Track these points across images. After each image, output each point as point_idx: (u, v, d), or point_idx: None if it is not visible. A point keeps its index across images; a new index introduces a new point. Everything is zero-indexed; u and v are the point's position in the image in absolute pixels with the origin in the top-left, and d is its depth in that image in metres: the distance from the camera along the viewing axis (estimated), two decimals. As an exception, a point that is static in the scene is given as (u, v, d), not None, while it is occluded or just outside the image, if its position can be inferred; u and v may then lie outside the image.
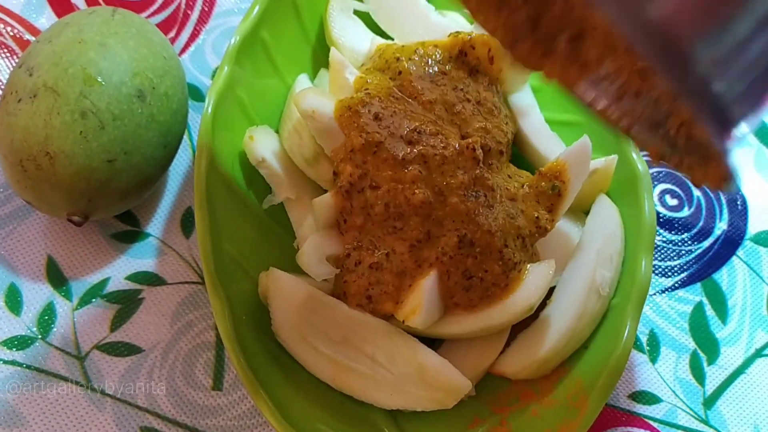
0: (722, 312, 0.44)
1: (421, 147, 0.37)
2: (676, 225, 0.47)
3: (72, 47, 0.36)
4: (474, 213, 0.36)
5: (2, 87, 0.44)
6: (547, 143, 0.42)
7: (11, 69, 0.44)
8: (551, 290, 0.38)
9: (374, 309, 0.36)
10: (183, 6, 0.48)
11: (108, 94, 0.35)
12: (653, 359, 0.43)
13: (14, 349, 0.38)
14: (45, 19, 0.46)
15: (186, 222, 0.42)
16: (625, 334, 0.36)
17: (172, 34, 0.47)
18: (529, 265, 0.37)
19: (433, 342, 0.37)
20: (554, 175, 0.39)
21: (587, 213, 0.41)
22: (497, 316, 0.36)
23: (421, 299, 0.35)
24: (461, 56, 0.41)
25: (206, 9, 0.48)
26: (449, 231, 0.36)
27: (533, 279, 0.37)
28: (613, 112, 0.26)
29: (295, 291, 0.36)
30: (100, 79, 0.35)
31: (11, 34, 0.45)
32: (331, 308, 0.36)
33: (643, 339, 0.43)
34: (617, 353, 0.36)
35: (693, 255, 0.46)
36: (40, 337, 0.38)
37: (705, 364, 0.43)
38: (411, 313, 0.35)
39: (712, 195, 0.48)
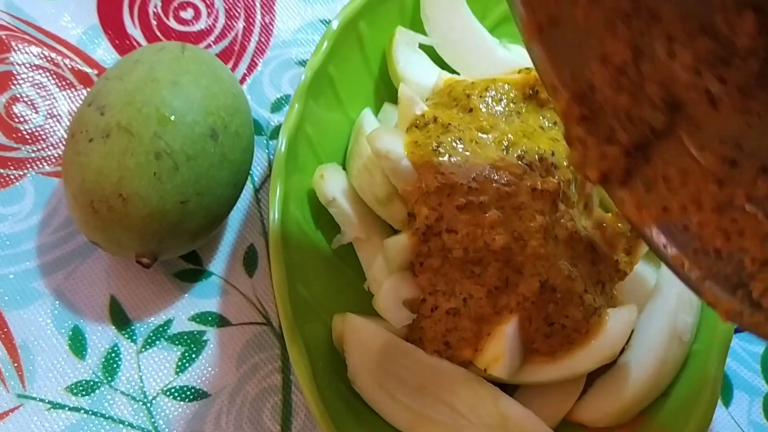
0: (794, 352, 0.43)
1: (498, 188, 0.36)
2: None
3: (145, 86, 0.35)
4: (554, 257, 0.35)
5: (60, 121, 0.43)
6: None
7: (70, 102, 0.43)
8: (630, 335, 0.37)
9: (452, 355, 0.35)
10: (240, 37, 0.47)
11: (182, 134, 0.34)
12: (726, 402, 0.41)
13: (79, 395, 0.37)
14: (102, 50, 0.45)
15: (248, 260, 0.41)
16: (711, 384, 0.35)
17: (229, 65, 0.46)
18: (609, 310, 0.36)
19: (507, 387, 0.36)
20: (633, 216, 0.38)
21: (661, 253, 0.40)
22: (579, 363, 0.35)
23: (504, 347, 0.34)
24: (533, 93, 0.40)
25: (263, 40, 0.47)
26: (530, 276, 0.35)
27: (615, 324, 0.36)
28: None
29: (372, 337, 0.35)
30: (173, 119, 0.34)
31: (69, 66, 0.44)
32: (409, 355, 0.35)
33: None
34: (704, 403, 0.35)
35: (762, 294, 0.45)
36: (105, 381, 0.37)
37: (779, 407, 0.41)
38: (493, 362, 0.34)
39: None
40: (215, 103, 0.36)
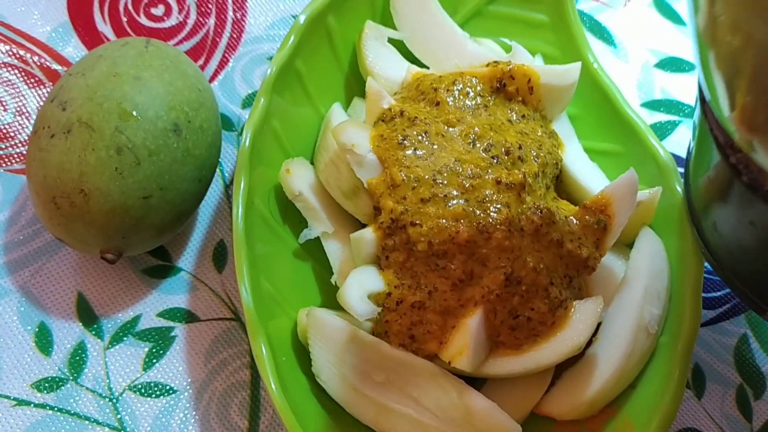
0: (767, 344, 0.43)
1: (462, 181, 0.36)
2: (717, 255, 0.45)
3: (106, 81, 0.35)
4: (519, 250, 0.35)
5: (29, 119, 0.43)
6: (588, 174, 0.41)
7: (39, 99, 0.43)
8: (597, 327, 0.37)
9: (417, 349, 0.35)
10: (212, 33, 0.47)
11: (144, 129, 0.34)
12: (699, 395, 0.41)
13: (45, 392, 0.37)
14: (72, 47, 0.45)
15: (218, 256, 0.41)
16: (677, 375, 0.35)
17: (200, 62, 0.46)
18: (576, 303, 0.36)
19: (475, 381, 0.36)
20: (599, 209, 0.38)
21: (630, 246, 0.40)
22: (545, 356, 0.35)
23: (468, 340, 0.34)
24: (500, 86, 0.40)
25: (235, 36, 0.47)
26: (495, 269, 0.35)
27: (581, 317, 0.36)
28: None
29: (337, 331, 0.35)
30: (135, 114, 0.34)
31: (38, 63, 0.44)
32: (374, 348, 0.35)
33: (688, 374, 0.42)
34: (670, 395, 0.35)
35: (735, 286, 0.45)
36: (71, 378, 0.37)
37: (752, 399, 0.41)
38: (457, 354, 0.34)
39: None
40: (179, 98, 0.36)
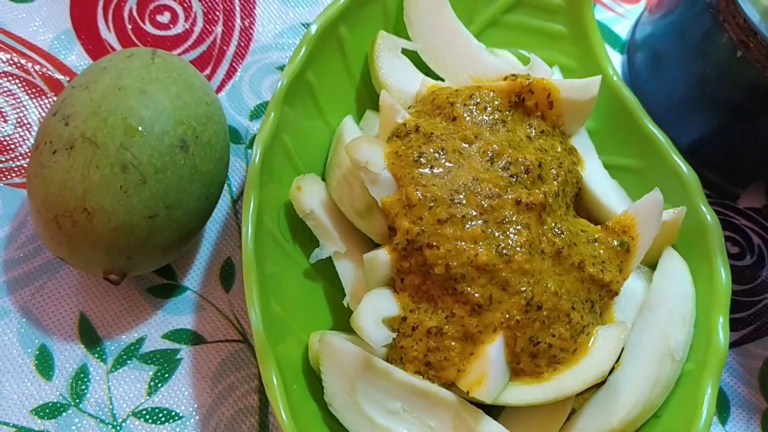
0: (793, 368, 0.42)
1: (481, 201, 0.34)
2: (739, 274, 0.44)
3: (111, 95, 0.33)
4: (540, 273, 0.34)
5: (31, 130, 0.41)
6: (609, 193, 0.40)
7: (41, 110, 0.42)
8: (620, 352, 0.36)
9: (434, 376, 0.34)
10: (219, 41, 0.45)
11: (150, 146, 0.33)
12: (723, 420, 0.40)
13: (45, 418, 0.35)
14: (75, 56, 0.43)
15: (225, 274, 0.40)
16: (705, 405, 0.34)
17: (207, 72, 0.45)
18: (598, 328, 0.35)
19: (492, 407, 0.35)
20: (622, 229, 0.37)
21: (653, 267, 0.39)
22: (566, 385, 0.34)
23: (487, 368, 0.33)
24: (519, 101, 0.38)
25: (243, 44, 0.46)
26: (515, 293, 0.33)
27: (604, 344, 0.34)
28: None
29: (350, 358, 0.33)
30: (141, 130, 0.33)
31: (39, 72, 0.42)
32: (388, 376, 0.33)
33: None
34: (698, 424, 0.33)
35: (759, 306, 0.43)
36: (73, 403, 0.36)
37: (777, 424, 0.40)
38: (476, 384, 0.33)
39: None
40: (186, 113, 0.34)
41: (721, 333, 0.36)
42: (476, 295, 0.33)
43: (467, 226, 0.34)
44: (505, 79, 0.39)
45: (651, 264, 0.39)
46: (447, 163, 0.35)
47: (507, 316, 0.33)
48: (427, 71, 0.42)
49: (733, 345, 0.42)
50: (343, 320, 0.36)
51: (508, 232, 0.34)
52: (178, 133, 0.34)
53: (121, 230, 0.33)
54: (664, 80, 0.46)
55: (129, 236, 0.33)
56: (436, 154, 0.36)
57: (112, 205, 0.32)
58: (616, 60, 0.50)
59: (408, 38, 0.42)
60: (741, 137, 0.43)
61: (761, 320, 0.43)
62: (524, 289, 0.34)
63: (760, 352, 0.42)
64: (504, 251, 0.34)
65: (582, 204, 0.40)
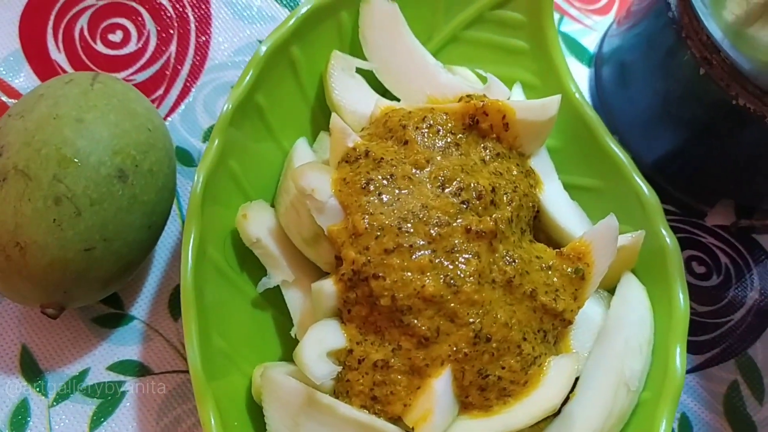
0: (759, 392, 0.41)
1: (430, 230, 0.33)
2: (705, 295, 0.43)
3: (46, 124, 0.32)
4: (489, 304, 0.33)
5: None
6: (568, 215, 0.39)
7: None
8: (574, 382, 0.35)
9: (380, 411, 0.33)
10: (173, 60, 0.44)
11: (85, 177, 0.32)
12: (685, 448, 0.39)
13: (-18, 456, 0.34)
14: (23, 78, 0.42)
15: (174, 303, 0.39)
16: (660, 435, 0.33)
17: (160, 92, 0.44)
18: (551, 359, 0.34)
19: (445, 439, 0.34)
20: (578, 256, 0.36)
21: (612, 291, 0.38)
22: (516, 418, 0.33)
23: (433, 404, 0.32)
24: (473, 123, 0.37)
25: (197, 63, 0.45)
26: (463, 325, 0.32)
27: (556, 375, 0.33)
28: None
29: (292, 393, 0.32)
30: (76, 160, 0.32)
31: (-14, 95, 0.42)
32: (333, 411, 0.32)
33: (675, 424, 0.40)
34: (652, 459, 0.33)
35: (725, 328, 0.43)
36: (11, 439, 0.35)
37: (741, 451, 0.39)
38: (421, 420, 0.32)
39: (740, 261, 0.44)
40: (125, 141, 0.33)
41: (678, 361, 0.35)
42: (423, 327, 0.32)
43: (414, 256, 0.33)
44: (460, 100, 0.38)
45: (610, 288, 0.38)
46: (396, 190, 0.35)
47: (455, 348, 0.32)
48: (384, 91, 0.41)
49: (697, 368, 0.41)
50: (292, 350, 0.35)
51: (456, 262, 0.33)
52: (116, 162, 0.33)
53: (56, 264, 0.32)
54: (630, 95, 0.45)
55: (64, 270, 0.32)
56: (385, 181, 0.35)
57: (45, 239, 0.31)
58: (583, 73, 0.49)
59: (364, 58, 0.41)
60: (706, 155, 0.43)
61: (726, 342, 0.42)
62: (473, 320, 0.33)
63: (725, 376, 0.41)
64: (452, 281, 0.33)
65: (541, 227, 0.39)
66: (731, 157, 0.42)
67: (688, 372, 0.41)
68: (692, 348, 0.42)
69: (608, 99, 0.47)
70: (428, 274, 0.33)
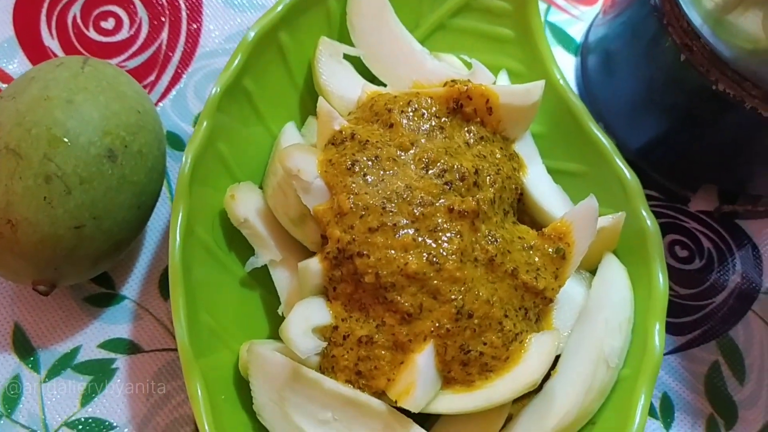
0: (740, 372, 0.42)
1: (413, 209, 0.34)
2: (687, 278, 0.44)
3: (37, 105, 0.33)
4: (471, 281, 0.34)
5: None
6: (551, 198, 0.40)
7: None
8: (556, 359, 0.36)
9: (365, 385, 0.34)
10: (164, 47, 0.45)
11: (75, 156, 0.33)
12: (667, 425, 0.40)
13: (-25, 430, 0.35)
14: (17, 64, 0.43)
15: (164, 283, 0.40)
16: (638, 410, 0.34)
17: (152, 78, 0.44)
18: (532, 336, 0.35)
19: (428, 416, 0.35)
20: (558, 236, 0.36)
21: (593, 272, 0.39)
22: (497, 393, 0.33)
23: (415, 377, 0.32)
24: (457, 107, 0.38)
25: (188, 50, 0.45)
26: (446, 302, 0.33)
27: (536, 351, 0.34)
28: None
29: (278, 367, 0.33)
30: (66, 140, 0.33)
31: (-20, 80, 0.42)
32: (318, 385, 0.33)
33: (656, 403, 0.40)
34: (630, 431, 0.33)
35: (706, 310, 0.43)
36: (4, 414, 0.36)
37: (723, 429, 0.40)
38: (404, 393, 0.32)
39: (723, 246, 0.45)
40: (114, 122, 0.34)
41: (657, 339, 0.35)
42: (406, 303, 0.33)
43: (398, 235, 0.34)
44: (445, 84, 0.39)
45: (592, 269, 0.39)
46: (381, 171, 0.35)
47: (437, 324, 0.33)
48: (371, 77, 0.42)
49: (679, 349, 0.42)
50: (279, 328, 0.36)
51: (439, 240, 0.34)
52: (105, 143, 0.34)
53: (47, 241, 0.32)
54: (614, 83, 0.46)
55: (55, 247, 0.33)
56: (370, 162, 0.35)
57: (36, 216, 0.32)
58: (570, 62, 0.50)
59: (351, 44, 0.42)
60: (689, 141, 0.43)
61: (708, 324, 0.43)
62: (455, 297, 0.33)
63: (706, 357, 0.42)
64: (434, 259, 0.33)
65: (525, 209, 0.40)
66: (713, 143, 0.43)
67: (669, 353, 0.42)
68: (674, 329, 0.42)
69: (594, 87, 0.48)
70: (411, 252, 0.34)
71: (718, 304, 0.43)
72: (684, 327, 0.43)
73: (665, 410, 0.40)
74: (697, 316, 0.43)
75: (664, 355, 0.41)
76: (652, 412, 0.40)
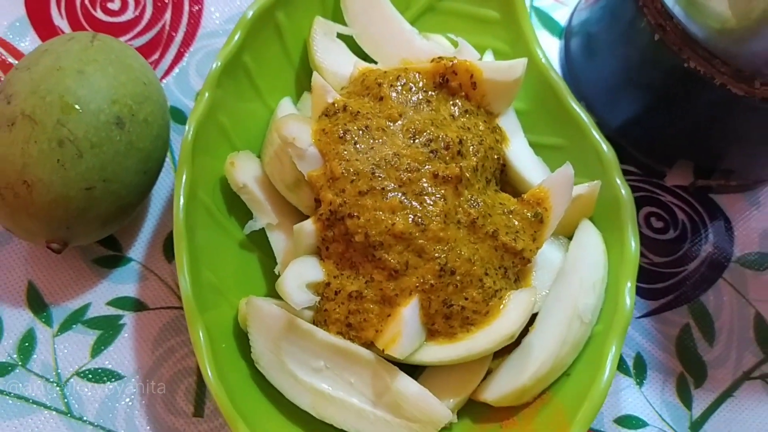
0: (709, 334, 0.44)
1: (400, 174, 0.37)
2: (661, 247, 0.46)
3: (50, 75, 0.35)
4: (454, 241, 0.36)
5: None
6: (531, 168, 0.42)
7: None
8: (534, 316, 0.38)
9: (355, 337, 0.36)
10: (167, 28, 0.48)
11: (86, 122, 0.35)
12: (639, 383, 0.42)
13: (-7, 377, 0.38)
14: (29, 42, 0.46)
15: (168, 246, 0.42)
16: (608, 362, 0.36)
17: (155, 57, 0.47)
18: (510, 293, 0.37)
19: (415, 369, 0.37)
20: (537, 201, 0.39)
21: (570, 238, 0.41)
22: (478, 344, 0.36)
23: (401, 327, 0.35)
24: (443, 82, 0.41)
25: (190, 30, 0.48)
26: (430, 259, 0.36)
27: (515, 307, 0.37)
28: None
29: (275, 319, 0.36)
30: (77, 107, 0.35)
31: (-6, 57, 0.45)
32: (311, 336, 0.36)
33: (630, 362, 0.43)
34: (600, 381, 0.36)
35: (679, 277, 0.46)
36: (20, 363, 0.38)
37: (692, 387, 0.42)
38: (391, 342, 0.35)
39: (696, 218, 0.47)
40: (122, 92, 0.37)
41: (628, 297, 0.38)
42: (393, 261, 0.36)
43: (386, 198, 0.36)
44: (432, 61, 0.42)
45: (569, 236, 0.41)
46: (370, 140, 0.38)
47: (422, 280, 0.36)
48: (363, 56, 0.44)
49: (652, 313, 0.45)
50: (275, 288, 0.38)
51: (424, 203, 0.37)
52: (114, 111, 0.36)
53: (59, 201, 0.35)
54: (595, 64, 0.49)
55: (67, 207, 0.35)
56: (360, 131, 0.38)
57: (50, 177, 0.35)
58: (554, 46, 0.52)
59: (345, 24, 0.45)
60: (664, 118, 0.46)
61: (680, 290, 0.45)
62: (438, 255, 0.36)
63: (677, 320, 0.44)
64: (420, 220, 0.36)
65: (507, 179, 0.42)
66: (686, 120, 0.45)
67: (643, 316, 0.44)
68: (648, 294, 0.45)
69: (576, 68, 0.50)
70: (398, 213, 0.36)
71: (690, 271, 0.46)
72: (657, 292, 0.45)
73: (638, 369, 0.43)
74: (670, 283, 0.46)
75: (639, 318, 0.44)
76: (626, 371, 0.43)
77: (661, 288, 0.46)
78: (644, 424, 0.41)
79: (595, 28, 0.49)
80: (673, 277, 0.46)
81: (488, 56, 0.46)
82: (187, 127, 0.38)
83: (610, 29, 0.47)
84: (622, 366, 0.43)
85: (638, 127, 0.48)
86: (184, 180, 0.37)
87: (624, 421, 0.41)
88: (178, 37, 0.48)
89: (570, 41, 0.52)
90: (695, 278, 0.46)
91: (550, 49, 0.51)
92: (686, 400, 0.42)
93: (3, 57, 0.45)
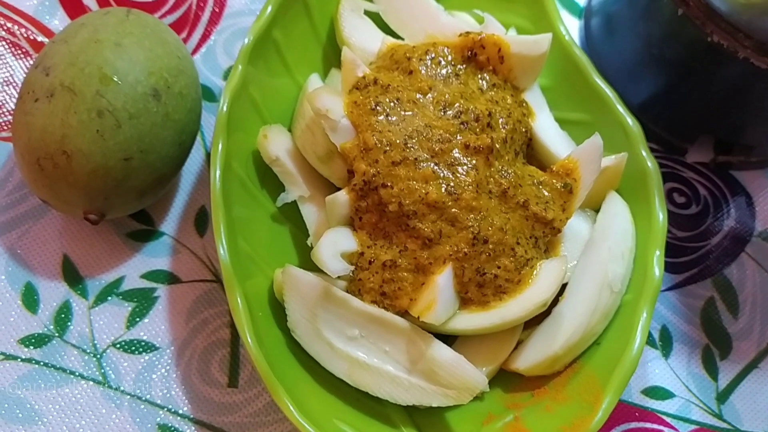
0: (734, 307, 0.45)
1: (432, 145, 0.37)
2: (684, 222, 0.47)
3: (88, 47, 0.36)
4: (486, 211, 0.37)
5: (17, 89, 0.44)
6: (558, 142, 0.42)
7: (26, 71, 0.45)
8: (564, 287, 0.39)
9: (389, 305, 0.37)
10: (194, 7, 0.48)
11: (124, 93, 0.36)
12: (666, 355, 0.43)
13: (31, 347, 0.38)
14: (58, 20, 0.46)
15: (200, 221, 0.43)
16: (639, 330, 0.37)
17: (183, 35, 0.47)
18: (541, 262, 0.38)
19: (446, 338, 0.38)
20: (566, 172, 0.39)
21: (597, 210, 0.42)
22: (510, 312, 0.37)
23: (436, 295, 0.35)
24: (471, 56, 0.41)
25: (217, 10, 0.48)
26: (463, 228, 0.36)
27: (546, 275, 0.37)
28: None
29: (311, 287, 0.36)
30: (116, 79, 0.36)
31: (25, 35, 0.45)
32: (346, 304, 0.36)
33: (656, 334, 0.43)
34: (631, 349, 0.36)
35: (702, 251, 0.46)
36: (57, 335, 0.39)
37: (717, 359, 0.43)
38: (426, 309, 0.35)
39: (718, 194, 0.48)
40: (158, 64, 0.37)
41: (656, 266, 0.38)
42: (427, 230, 0.36)
43: (419, 168, 0.37)
44: (459, 36, 0.42)
45: (596, 208, 0.42)
46: (402, 112, 0.38)
47: (455, 249, 0.36)
48: (389, 32, 0.45)
49: (677, 286, 0.45)
50: (308, 259, 0.39)
51: (456, 173, 0.37)
52: (151, 82, 0.37)
53: (98, 171, 0.35)
54: (616, 43, 0.49)
55: (106, 177, 0.36)
56: (392, 104, 0.38)
57: (89, 147, 0.35)
58: (573, 25, 0.53)
59: (371, 1, 0.45)
60: (686, 93, 0.46)
61: (704, 264, 0.46)
62: (471, 224, 0.36)
63: (702, 293, 0.45)
64: (453, 190, 0.37)
65: (533, 154, 0.43)
66: (708, 94, 0.46)
67: (668, 289, 0.45)
68: (672, 268, 0.46)
69: (597, 47, 0.51)
70: (431, 183, 0.37)
71: (713, 245, 0.47)
72: (681, 266, 0.46)
73: (664, 341, 0.43)
74: (693, 256, 0.46)
75: (664, 291, 0.45)
76: (652, 343, 0.43)
77: (685, 261, 0.46)
78: (671, 395, 0.41)
79: (615, 6, 0.49)
80: (696, 251, 0.46)
81: (512, 34, 0.46)
82: (221, 100, 0.38)
83: (631, 6, 0.47)
84: (648, 338, 0.43)
85: (659, 104, 0.48)
86: (220, 150, 0.37)
87: (651, 392, 0.42)
88: (205, 16, 0.48)
89: (590, 20, 0.52)
90: (718, 252, 0.46)
91: (570, 28, 0.51)
92: (712, 372, 0.42)
93: (34, 35, 0.45)
